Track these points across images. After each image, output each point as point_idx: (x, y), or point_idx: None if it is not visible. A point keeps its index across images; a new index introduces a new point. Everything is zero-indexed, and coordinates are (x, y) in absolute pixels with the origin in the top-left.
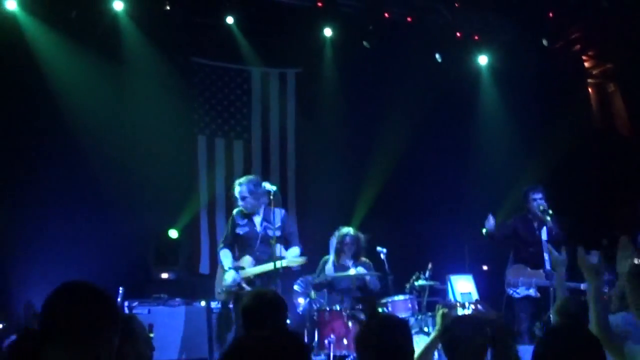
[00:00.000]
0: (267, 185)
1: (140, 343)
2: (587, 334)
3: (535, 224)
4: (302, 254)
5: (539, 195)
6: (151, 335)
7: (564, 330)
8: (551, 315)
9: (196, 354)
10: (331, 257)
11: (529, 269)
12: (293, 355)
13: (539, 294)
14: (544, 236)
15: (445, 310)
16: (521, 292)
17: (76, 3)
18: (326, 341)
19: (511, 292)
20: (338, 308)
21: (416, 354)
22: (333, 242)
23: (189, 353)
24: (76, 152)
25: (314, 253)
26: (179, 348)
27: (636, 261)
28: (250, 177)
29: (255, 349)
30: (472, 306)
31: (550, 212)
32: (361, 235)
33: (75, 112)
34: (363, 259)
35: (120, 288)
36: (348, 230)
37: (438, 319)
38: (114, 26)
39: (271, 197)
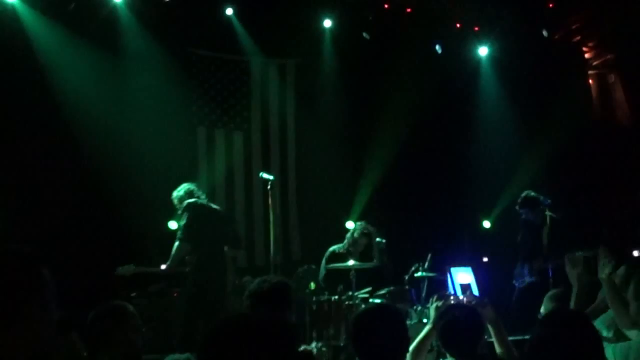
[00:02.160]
0: (264, 175)
1: (131, 330)
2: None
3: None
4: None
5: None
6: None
7: (557, 315)
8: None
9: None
10: (344, 248)
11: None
12: (277, 340)
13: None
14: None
15: (440, 303)
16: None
17: None
18: (324, 331)
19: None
20: (338, 299)
21: (412, 345)
22: (348, 235)
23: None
24: (75, 143)
25: (314, 242)
26: (178, 337)
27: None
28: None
29: (235, 332)
30: (466, 298)
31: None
32: (373, 230)
33: (74, 104)
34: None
35: None
36: (366, 227)
37: (432, 312)
38: (112, 17)
39: (268, 187)
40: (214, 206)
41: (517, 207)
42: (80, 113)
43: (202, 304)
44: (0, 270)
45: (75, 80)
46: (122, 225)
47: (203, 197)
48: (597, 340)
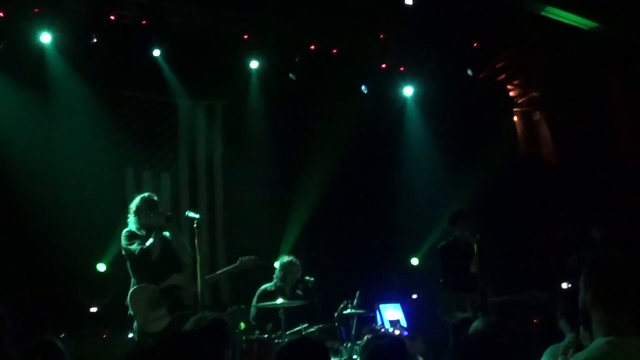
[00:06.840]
0: (190, 214)
1: None
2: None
3: (464, 248)
4: None
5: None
6: None
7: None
8: None
9: None
10: (275, 286)
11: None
12: None
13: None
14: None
15: (371, 336)
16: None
17: (3, 35)
18: None
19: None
20: (267, 337)
21: None
22: (277, 271)
23: None
24: (1, 184)
25: (243, 282)
26: None
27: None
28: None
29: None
30: (397, 331)
31: (477, 235)
32: (299, 264)
33: (1, 142)
34: (298, 291)
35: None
36: (291, 259)
37: (364, 344)
38: (41, 58)
39: (195, 225)
40: None
41: (448, 226)
42: (6, 153)
43: None
44: None
45: (2, 120)
46: (49, 267)
47: None
48: None
